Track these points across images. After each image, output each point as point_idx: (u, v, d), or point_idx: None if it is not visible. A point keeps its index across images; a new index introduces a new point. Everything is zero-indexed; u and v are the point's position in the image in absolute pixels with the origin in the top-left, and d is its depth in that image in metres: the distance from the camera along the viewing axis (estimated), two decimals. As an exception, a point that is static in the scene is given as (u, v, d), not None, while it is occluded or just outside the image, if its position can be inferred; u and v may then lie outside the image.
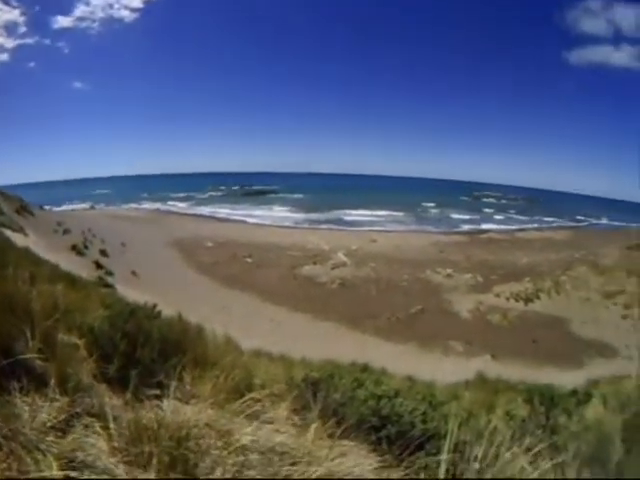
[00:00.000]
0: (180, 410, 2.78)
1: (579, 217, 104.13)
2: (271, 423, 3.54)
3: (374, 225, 72.35)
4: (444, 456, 2.55)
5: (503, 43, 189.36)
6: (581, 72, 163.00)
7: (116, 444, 2.44)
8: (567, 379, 20.62)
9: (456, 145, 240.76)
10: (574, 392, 14.24)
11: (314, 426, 3.10)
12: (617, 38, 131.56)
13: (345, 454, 2.95)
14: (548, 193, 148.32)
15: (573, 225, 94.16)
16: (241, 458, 2.49)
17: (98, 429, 2.57)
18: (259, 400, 3.37)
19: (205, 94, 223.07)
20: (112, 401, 3.08)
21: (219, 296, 34.25)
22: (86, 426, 2.65)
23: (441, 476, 2.49)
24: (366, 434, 4.23)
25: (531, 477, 2.76)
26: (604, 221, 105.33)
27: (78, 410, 2.76)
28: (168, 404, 2.84)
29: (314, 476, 2.41)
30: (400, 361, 23.46)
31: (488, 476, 2.56)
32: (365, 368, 17.70)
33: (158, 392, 3.37)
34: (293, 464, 2.54)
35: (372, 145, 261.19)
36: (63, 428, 2.59)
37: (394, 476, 3.29)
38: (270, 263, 44.52)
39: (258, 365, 8.98)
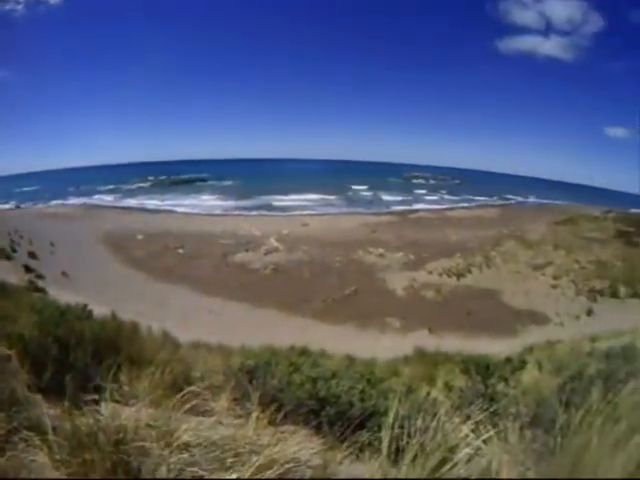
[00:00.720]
0: (119, 412, 2.71)
1: (507, 196, 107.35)
2: (212, 416, 3.50)
3: (305, 209, 72.04)
4: (385, 432, 2.61)
5: (433, 29, 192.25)
6: (509, 60, 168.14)
7: (58, 456, 2.38)
8: (503, 347, 21.50)
9: (384, 127, 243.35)
10: (509, 360, 14.82)
11: (254, 415, 3.09)
12: (547, 29, 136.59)
13: (287, 439, 2.93)
14: (477, 173, 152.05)
15: (501, 203, 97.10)
16: (185, 455, 2.47)
17: (38, 443, 2.49)
18: (199, 393, 3.29)
19: (129, 81, 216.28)
20: (50, 411, 2.97)
21: (154, 291, 33.54)
22: (25, 441, 2.58)
23: (384, 451, 2.54)
24: (307, 417, 4.51)
25: (474, 444, 2.79)
26: (532, 199, 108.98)
27: (15, 425, 2.68)
28: (106, 408, 2.76)
29: (255, 466, 2.38)
30: (339, 341, 23.68)
31: (429, 447, 2.51)
32: (304, 351, 17.85)
33: (96, 396, 3.29)
34: (236, 455, 2.52)
35: (300, 129, 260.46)
36: (2, 446, 2.55)
37: (339, 456, 3.41)
38: (203, 253, 43.93)
39: (196, 358, 8.92)
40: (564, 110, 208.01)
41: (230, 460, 2.50)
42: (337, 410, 4.69)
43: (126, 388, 3.53)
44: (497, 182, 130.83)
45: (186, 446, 2.55)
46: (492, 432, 3.01)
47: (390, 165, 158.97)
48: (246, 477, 2.34)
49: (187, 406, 3.03)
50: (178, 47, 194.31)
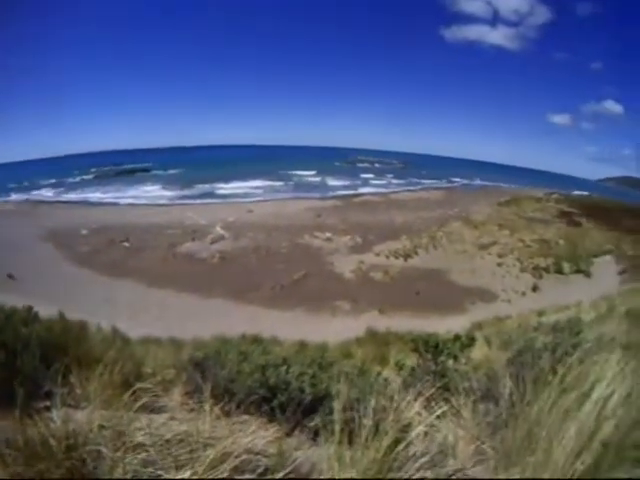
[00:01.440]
0: (71, 417, 2.64)
1: (452, 178, 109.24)
2: (165, 411, 3.55)
3: (250, 196, 71.54)
4: (337, 415, 2.63)
5: (380, 16, 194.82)
6: (456, 48, 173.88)
7: (12, 469, 2.30)
8: (453, 325, 21.78)
9: (329, 112, 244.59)
10: (457, 337, 15.03)
11: (207, 408, 3.01)
12: (494, 19, 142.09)
13: (241, 430, 2.90)
14: (422, 157, 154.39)
15: (446, 186, 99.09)
16: (141, 455, 2.42)
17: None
18: (150, 390, 3.18)
19: (68, 71, 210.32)
20: (1, 423, 2.85)
21: (102, 287, 32.52)
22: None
23: (337, 434, 2.55)
24: (260, 406, 4.48)
25: (428, 421, 2.81)
26: (477, 181, 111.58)
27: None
28: (58, 413, 2.67)
29: (208, 460, 2.36)
30: (290, 327, 23.83)
31: (383, 427, 2.53)
32: (255, 339, 17.84)
33: (47, 402, 3.18)
34: (191, 451, 2.47)
35: (243, 115, 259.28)
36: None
37: (294, 443, 3.37)
38: (149, 245, 43.11)
39: (147, 353, 8.83)
40: (510, 97, 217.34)
41: (185, 456, 2.46)
42: (288, 397, 4.62)
43: (77, 391, 3.48)
44: (442, 165, 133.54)
45: (140, 446, 2.49)
46: (445, 408, 3.10)
47: (335, 150, 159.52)
48: (200, 473, 2.31)
49: (139, 404, 2.95)
50: (115, 38, 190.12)
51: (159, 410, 3.56)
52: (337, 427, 2.58)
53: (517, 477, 2.52)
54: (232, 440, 2.61)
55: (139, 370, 5.62)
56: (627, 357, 3.20)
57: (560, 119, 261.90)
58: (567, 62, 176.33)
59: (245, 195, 72.41)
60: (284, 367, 5.15)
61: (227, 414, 3.41)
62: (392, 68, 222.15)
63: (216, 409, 3.06)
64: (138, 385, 3.12)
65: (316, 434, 3.69)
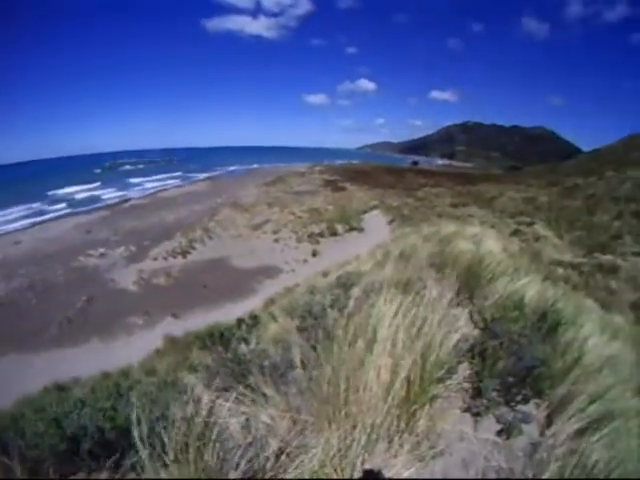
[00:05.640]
0: None
1: (216, 168, 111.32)
2: None
3: (11, 225, 65.13)
4: (138, 443, 2.47)
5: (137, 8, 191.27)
6: (217, 38, 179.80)
7: None
8: (247, 307, 22.79)
9: (74, 116, 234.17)
10: (240, 320, 15.82)
11: None
12: (256, 10, 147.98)
13: None
14: (183, 151, 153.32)
15: (211, 175, 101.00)
16: None
17: None
18: None
19: None
20: None
21: None
22: None
23: (145, 463, 2.44)
24: (73, 461, 4.16)
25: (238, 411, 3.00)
26: (240, 167, 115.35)
27: None
28: None
29: None
30: (90, 361, 22.82)
31: (190, 435, 2.48)
32: (59, 388, 17.42)
33: None
34: None
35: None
36: None
37: None
38: None
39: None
40: (269, 83, 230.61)
41: None
42: (92, 441, 4.20)
43: None
44: (204, 157, 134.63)
45: None
46: (247, 392, 3.22)
47: (92, 156, 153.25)
48: None
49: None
50: None
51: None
52: (143, 455, 2.45)
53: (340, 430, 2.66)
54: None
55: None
56: (401, 293, 3.60)
57: (317, 99, 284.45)
58: (324, 48, 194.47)
59: (7, 226, 66.52)
60: (75, 412, 4.70)
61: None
62: (150, 61, 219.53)
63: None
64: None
65: (134, 469, 3.09)
